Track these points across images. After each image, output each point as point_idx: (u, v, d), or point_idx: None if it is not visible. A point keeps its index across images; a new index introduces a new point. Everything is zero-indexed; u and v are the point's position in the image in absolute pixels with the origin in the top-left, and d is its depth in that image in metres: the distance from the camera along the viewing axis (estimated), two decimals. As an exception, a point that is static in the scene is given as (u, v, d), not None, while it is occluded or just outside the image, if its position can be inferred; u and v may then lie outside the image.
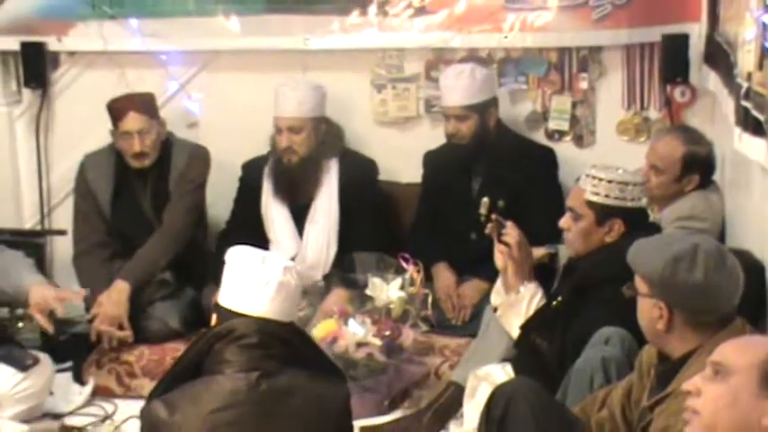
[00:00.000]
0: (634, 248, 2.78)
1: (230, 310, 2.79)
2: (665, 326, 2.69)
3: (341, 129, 4.73)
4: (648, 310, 2.72)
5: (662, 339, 2.73)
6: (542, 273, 3.79)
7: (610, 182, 3.49)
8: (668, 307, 2.67)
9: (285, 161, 4.56)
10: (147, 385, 4.23)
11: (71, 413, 4.18)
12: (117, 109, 4.54)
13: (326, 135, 4.60)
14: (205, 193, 4.72)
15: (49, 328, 4.02)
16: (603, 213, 3.50)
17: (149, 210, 4.64)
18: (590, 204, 3.51)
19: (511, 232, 3.60)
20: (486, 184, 4.40)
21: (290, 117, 4.51)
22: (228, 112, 4.93)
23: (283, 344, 2.77)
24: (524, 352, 3.51)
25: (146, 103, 4.58)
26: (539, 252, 4.01)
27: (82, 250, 4.66)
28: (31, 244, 4.75)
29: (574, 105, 4.70)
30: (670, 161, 3.95)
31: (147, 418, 2.72)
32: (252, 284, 2.78)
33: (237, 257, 2.85)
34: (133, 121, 4.50)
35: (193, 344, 2.85)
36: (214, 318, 2.86)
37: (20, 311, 4.38)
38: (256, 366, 2.70)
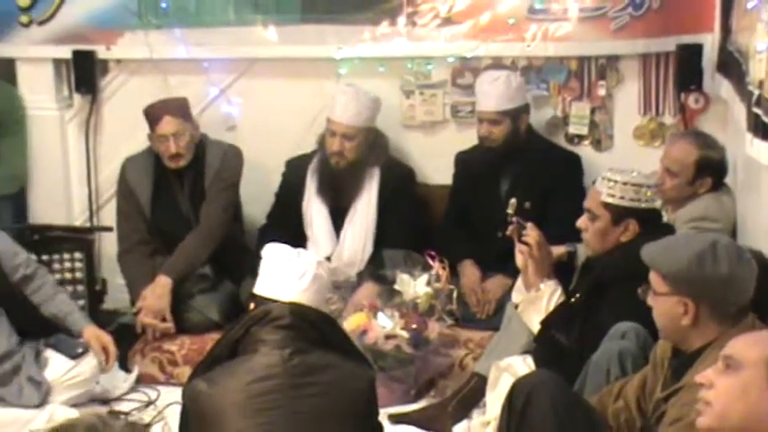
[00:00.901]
0: (652, 250, 2.76)
1: (266, 298, 2.86)
2: (691, 320, 2.67)
3: (387, 139, 4.72)
4: (671, 308, 2.69)
5: (683, 334, 2.71)
6: (562, 270, 3.78)
7: (625, 184, 3.48)
8: (695, 302, 2.66)
9: (333, 163, 4.55)
10: (188, 373, 4.21)
11: (117, 399, 4.20)
12: (153, 114, 4.55)
13: (374, 144, 4.60)
14: (239, 190, 4.73)
15: (102, 357, 4.06)
16: (619, 214, 3.49)
17: (187, 208, 4.64)
18: (606, 205, 3.50)
19: (531, 233, 3.59)
20: (515, 186, 4.39)
21: (346, 125, 4.49)
22: (265, 116, 4.94)
23: (313, 327, 2.82)
24: (544, 346, 3.51)
25: (180, 108, 4.58)
26: (558, 250, 4.00)
27: (125, 248, 4.68)
28: (81, 240, 4.79)
29: (592, 111, 4.68)
30: (684, 165, 3.93)
31: (189, 394, 2.78)
32: (288, 275, 2.85)
33: (275, 251, 2.92)
34: (168, 124, 4.51)
35: (230, 328, 2.92)
36: (251, 305, 2.92)
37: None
38: (288, 345, 2.75)
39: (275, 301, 2.83)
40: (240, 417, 2.67)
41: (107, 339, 4.05)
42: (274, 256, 2.91)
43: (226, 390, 2.70)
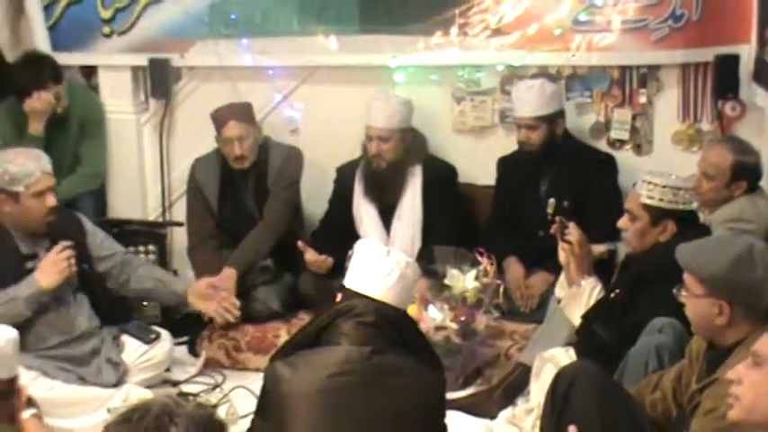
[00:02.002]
0: (687, 253, 2.74)
1: (354, 291, 2.81)
2: (726, 321, 2.64)
3: (425, 138, 4.72)
4: (706, 309, 2.67)
5: (716, 332, 2.69)
6: (602, 267, 3.76)
7: (663, 187, 3.46)
8: (730, 304, 2.63)
9: (374, 166, 4.56)
10: (252, 359, 4.35)
11: (186, 381, 4.24)
12: (219, 118, 4.57)
13: (412, 144, 4.59)
14: (300, 189, 4.74)
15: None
16: (657, 215, 3.47)
17: (251, 205, 4.66)
18: (645, 207, 3.48)
19: (573, 232, 3.58)
20: (553, 187, 4.37)
21: (380, 128, 4.50)
22: (325, 121, 4.94)
23: (395, 328, 2.77)
24: (585, 338, 3.48)
25: (244, 112, 4.60)
26: (599, 249, 3.98)
27: (195, 242, 4.71)
28: (155, 234, 4.85)
29: (633, 117, 4.64)
30: (720, 169, 3.89)
31: (270, 375, 2.74)
32: (376, 271, 2.79)
33: (366, 247, 2.87)
34: (233, 128, 4.53)
35: (317, 316, 2.89)
36: (339, 297, 2.87)
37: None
38: (369, 342, 2.70)
39: (362, 296, 2.78)
40: (314, 407, 2.64)
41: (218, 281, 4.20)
42: (365, 251, 2.85)
43: (305, 378, 2.66)
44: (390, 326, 2.75)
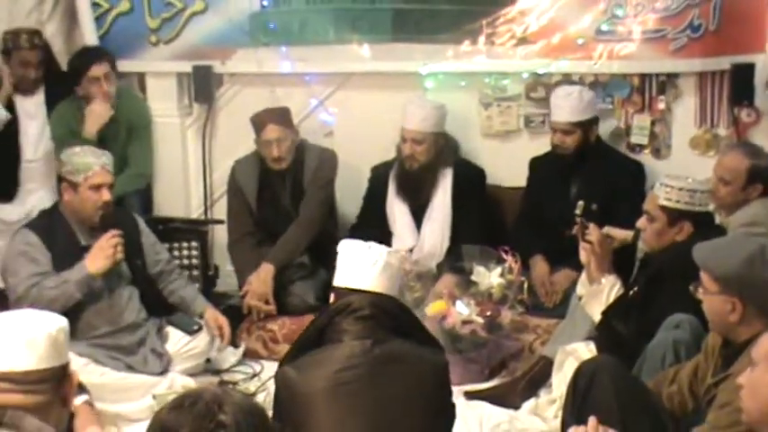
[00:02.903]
0: (703, 252, 2.74)
1: (345, 288, 2.80)
2: (738, 318, 2.64)
3: (457, 143, 4.73)
4: (720, 306, 2.68)
5: (730, 328, 2.69)
6: (621, 266, 3.75)
7: (680, 189, 3.46)
8: (742, 302, 2.64)
9: (407, 166, 4.57)
10: (288, 350, 4.37)
11: (226, 370, 4.26)
12: (258, 121, 4.59)
13: (444, 148, 4.59)
14: (334, 189, 4.75)
15: (217, 334, 4.15)
16: (674, 216, 3.47)
17: (288, 204, 4.67)
18: (663, 208, 3.49)
19: (593, 233, 3.59)
20: (583, 190, 4.35)
21: (414, 130, 4.50)
22: (358, 124, 4.95)
23: (391, 316, 2.76)
24: (605, 333, 3.49)
25: (282, 116, 4.61)
26: (624, 233, 3.95)
27: (235, 239, 4.74)
28: (197, 231, 4.86)
29: (652, 123, 4.62)
30: (736, 173, 3.87)
31: (280, 379, 2.74)
32: (362, 264, 2.79)
33: (349, 246, 2.87)
34: (272, 131, 4.54)
35: (316, 319, 2.87)
36: (332, 297, 2.87)
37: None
38: (369, 335, 2.69)
39: (353, 290, 2.77)
40: (326, 403, 2.63)
41: (223, 321, 4.14)
42: (348, 250, 2.86)
43: (313, 378, 2.65)
44: (387, 316, 2.75)
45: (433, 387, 2.76)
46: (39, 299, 3.63)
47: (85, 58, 4.82)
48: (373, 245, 2.87)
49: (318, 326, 2.80)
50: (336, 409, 2.64)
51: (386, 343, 2.71)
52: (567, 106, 4.38)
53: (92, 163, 3.83)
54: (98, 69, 4.74)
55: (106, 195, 3.84)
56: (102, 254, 3.80)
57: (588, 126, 4.42)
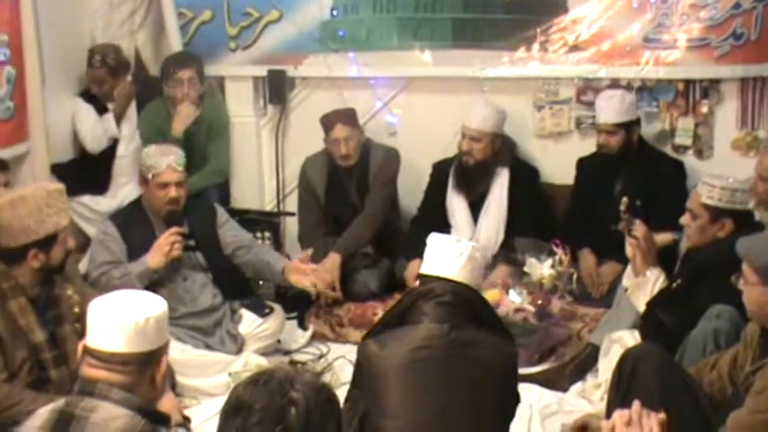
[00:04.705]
0: (745, 245, 2.71)
1: (430, 276, 2.81)
2: None
3: (515, 143, 4.71)
4: (760, 296, 2.64)
5: (768, 318, 2.66)
6: (665, 259, 3.72)
7: (722, 188, 3.42)
8: None
9: (464, 161, 4.56)
10: (353, 333, 4.37)
11: (296, 351, 4.29)
12: (327, 121, 4.61)
13: (501, 147, 4.57)
14: (396, 185, 4.76)
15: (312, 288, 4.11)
16: (716, 214, 3.43)
17: (354, 199, 4.69)
18: (705, 206, 3.45)
19: (639, 228, 3.55)
20: (627, 187, 4.30)
21: (473, 129, 4.49)
22: (420, 125, 4.96)
23: (469, 305, 2.77)
24: (649, 323, 3.46)
25: (349, 116, 4.63)
26: (666, 237, 3.93)
27: (305, 230, 4.77)
28: (270, 222, 4.92)
29: (696, 125, 4.55)
30: (776, 172, 3.82)
31: (362, 351, 2.76)
32: (449, 255, 2.79)
33: (438, 239, 2.88)
34: (340, 130, 4.56)
35: (400, 300, 2.89)
36: (417, 283, 2.89)
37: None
38: (447, 319, 2.70)
39: (438, 279, 2.78)
40: (401, 377, 2.65)
41: (310, 267, 4.06)
42: (437, 241, 2.86)
43: (392, 353, 2.67)
44: (465, 303, 2.75)
45: (503, 374, 2.75)
46: (106, 286, 3.65)
47: (174, 61, 4.91)
48: (462, 239, 2.87)
49: (402, 307, 2.82)
50: (409, 385, 2.66)
51: (462, 329, 2.70)
52: (610, 108, 4.35)
53: (159, 162, 3.87)
54: (184, 73, 4.82)
55: (172, 192, 3.88)
56: (160, 250, 3.84)
57: (630, 127, 4.37)
